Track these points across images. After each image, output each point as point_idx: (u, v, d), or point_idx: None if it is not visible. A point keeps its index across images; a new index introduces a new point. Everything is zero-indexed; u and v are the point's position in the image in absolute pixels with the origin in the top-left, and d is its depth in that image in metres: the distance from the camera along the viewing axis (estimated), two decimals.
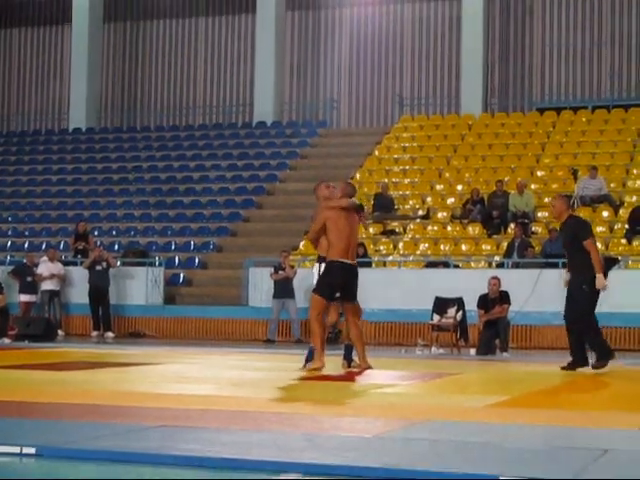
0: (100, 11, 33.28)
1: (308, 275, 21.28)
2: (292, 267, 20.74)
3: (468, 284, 19.41)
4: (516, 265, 20.86)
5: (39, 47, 35.21)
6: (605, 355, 11.81)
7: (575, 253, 11.79)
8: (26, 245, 25.35)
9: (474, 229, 22.91)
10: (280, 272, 20.61)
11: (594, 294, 11.67)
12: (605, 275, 11.79)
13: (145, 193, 27.62)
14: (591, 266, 11.62)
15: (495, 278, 17.03)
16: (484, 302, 16.94)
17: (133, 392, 8.62)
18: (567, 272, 12.10)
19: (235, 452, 5.15)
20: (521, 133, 27.01)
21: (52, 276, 21.93)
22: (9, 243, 25.95)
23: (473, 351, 17.41)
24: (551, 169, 25.16)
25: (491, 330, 16.78)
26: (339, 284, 11.12)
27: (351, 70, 31.78)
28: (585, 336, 11.78)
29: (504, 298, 16.74)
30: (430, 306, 17.98)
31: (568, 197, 13.64)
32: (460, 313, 17.71)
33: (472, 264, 21.78)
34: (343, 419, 6.78)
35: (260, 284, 21.27)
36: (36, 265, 22.00)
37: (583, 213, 22.71)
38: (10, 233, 26.62)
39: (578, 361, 11.79)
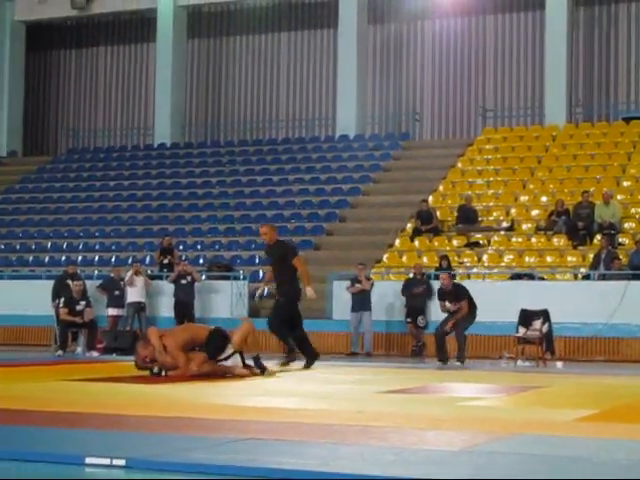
0: (184, 28, 33.72)
1: (389, 288, 21.32)
2: (368, 279, 20.70)
3: (554, 296, 19.25)
4: (602, 277, 20.58)
5: (124, 65, 35.77)
6: (313, 357, 14.25)
7: (283, 270, 13.88)
8: (113, 259, 25.69)
9: (559, 241, 22.66)
10: (356, 285, 20.61)
11: (291, 304, 13.94)
12: None
13: (229, 207, 27.83)
14: (293, 281, 13.97)
15: (445, 273, 17.53)
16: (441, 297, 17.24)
17: (220, 405, 8.67)
18: (264, 285, 14.99)
19: (322, 465, 5.15)
20: (606, 143, 26.66)
21: (137, 272, 22.00)
22: (96, 258, 26.32)
23: (560, 364, 17.25)
24: (637, 179, 24.77)
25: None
26: None
27: (434, 82, 31.70)
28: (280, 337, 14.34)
29: (460, 293, 16.88)
30: (515, 318, 17.84)
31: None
32: (546, 325, 17.54)
33: (557, 276, 21.54)
34: (429, 432, 6.75)
35: (344, 297, 21.28)
36: (122, 279, 22.27)
37: None
38: (97, 248, 27.01)
39: (311, 357, 14.22)
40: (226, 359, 11.94)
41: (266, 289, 15.53)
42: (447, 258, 21.84)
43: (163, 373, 11.82)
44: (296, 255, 14.22)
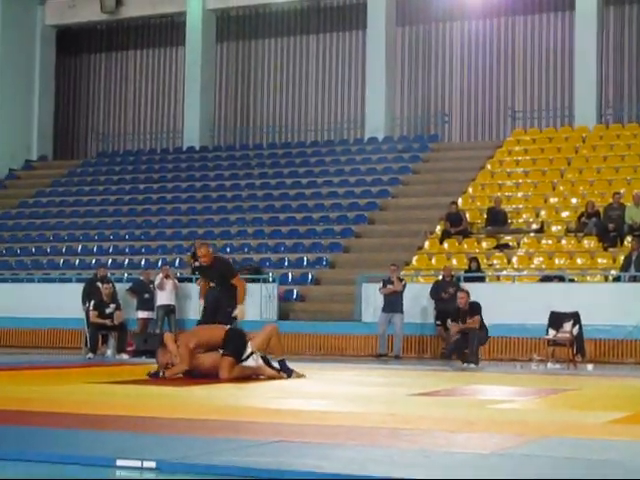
0: (213, 32, 33.81)
1: (421, 291, 21.26)
2: (401, 280, 20.65)
3: (584, 298, 19.14)
4: (633, 279, 20.46)
5: (154, 68, 35.89)
6: None
7: (226, 286, 14.07)
8: (142, 262, 25.77)
9: (590, 242, 22.54)
10: (388, 286, 20.56)
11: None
12: None
13: (258, 210, 27.87)
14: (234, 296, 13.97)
15: (463, 291, 17.20)
16: (456, 315, 17.19)
17: (249, 407, 8.68)
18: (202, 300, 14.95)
19: (351, 468, 5.14)
20: (637, 144, 26.46)
21: (167, 275, 22.15)
22: (126, 261, 26.42)
23: (590, 366, 17.16)
24: None
25: (463, 338, 16.91)
26: None
27: (462, 84, 31.61)
28: None
29: (474, 310, 16.79)
30: (545, 321, 17.77)
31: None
32: (576, 327, 17.47)
33: (588, 278, 21.42)
34: (459, 435, 6.72)
35: (373, 300, 21.25)
36: (152, 282, 22.35)
37: None
38: (127, 251, 27.11)
39: None
40: (246, 358, 11.95)
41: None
42: (477, 260, 21.78)
43: (161, 374, 11.88)
44: (236, 274, 14.35)
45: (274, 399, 9.57)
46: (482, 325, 16.89)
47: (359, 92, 32.35)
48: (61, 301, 23.19)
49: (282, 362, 12.35)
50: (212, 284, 21.84)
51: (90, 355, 18.88)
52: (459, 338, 16.91)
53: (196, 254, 24.05)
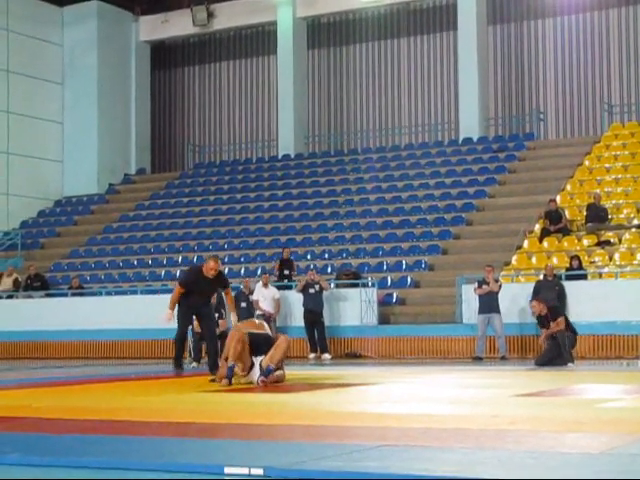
0: (304, 39, 34.02)
1: (520, 291, 21.05)
2: (496, 281, 20.47)
3: None
4: None
5: (247, 78, 36.22)
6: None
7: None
8: (242, 271, 26.00)
9: None
10: (484, 286, 20.40)
11: None
12: None
13: (355, 215, 27.92)
14: None
15: (533, 301, 16.90)
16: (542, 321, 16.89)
17: (353, 412, 8.69)
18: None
19: (458, 470, 5.12)
20: None
21: (265, 283, 22.26)
22: (226, 270, 26.63)
23: None
24: None
25: (553, 343, 16.54)
26: None
27: (557, 80, 31.26)
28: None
29: (553, 314, 16.53)
30: None
31: None
32: None
33: None
34: (567, 435, 6.64)
35: (473, 301, 21.11)
36: (252, 292, 22.47)
37: None
38: (226, 260, 27.36)
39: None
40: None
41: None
42: (578, 258, 21.49)
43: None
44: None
45: (376, 403, 9.57)
46: (569, 326, 16.69)
47: (452, 93, 32.22)
48: (163, 312, 23.45)
49: (267, 368, 12.01)
50: (312, 290, 22.07)
51: (194, 364, 19.07)
52: (549, 345, 16.66)
53: (283, 262, 24.26)
